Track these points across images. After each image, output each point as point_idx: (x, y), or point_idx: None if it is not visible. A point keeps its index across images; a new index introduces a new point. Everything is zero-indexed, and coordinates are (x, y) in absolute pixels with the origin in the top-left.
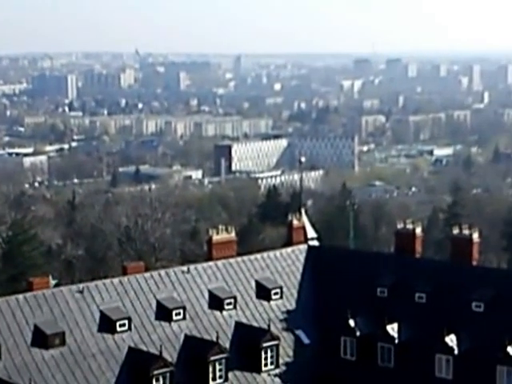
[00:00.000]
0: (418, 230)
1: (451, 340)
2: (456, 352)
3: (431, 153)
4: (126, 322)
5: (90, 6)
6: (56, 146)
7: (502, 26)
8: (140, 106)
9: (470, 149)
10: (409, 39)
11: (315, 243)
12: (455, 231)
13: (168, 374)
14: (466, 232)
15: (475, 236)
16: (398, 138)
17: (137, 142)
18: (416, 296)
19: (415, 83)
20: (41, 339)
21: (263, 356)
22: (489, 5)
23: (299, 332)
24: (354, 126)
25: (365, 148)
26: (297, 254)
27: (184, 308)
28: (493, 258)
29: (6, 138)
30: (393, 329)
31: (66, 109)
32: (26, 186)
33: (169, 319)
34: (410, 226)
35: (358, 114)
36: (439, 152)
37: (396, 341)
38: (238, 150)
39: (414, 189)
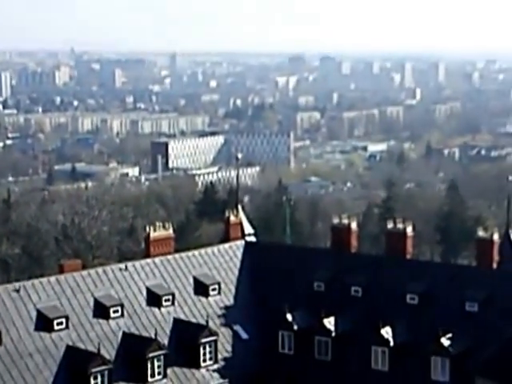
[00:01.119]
0: (354, 225)
1: (387, 332)
2: (391, 344)
3: (365, 149)
4: (64, 320)
5: (25, 4)
6: None
7: (433, 25)
8: (75, 103)
9: (402, 144)
10: (342, 37)
11: (252, 239)
12: (389, 225)
13: (106, 372)
14: (400, 226)
15: (409, 230)
16: (332, 134)
17: (72, 139)
18: (352, 290)
19: (349, 80)
20: None
21: (202, 352)
22: (421, 4)
23: (237, 327)
24: (290, 122)
25: (300, 144)
26: (234, 250)
27: (122, 305)
28: (426, 251)
29: None
30: (329, 322)
31: (0, 107)
32: None
33: (106, 317)
34: (345, 221)
35: (293, 111)
36: (373, 148)
37: (333, 334)
38: (174, 147)
39: (349, 184)
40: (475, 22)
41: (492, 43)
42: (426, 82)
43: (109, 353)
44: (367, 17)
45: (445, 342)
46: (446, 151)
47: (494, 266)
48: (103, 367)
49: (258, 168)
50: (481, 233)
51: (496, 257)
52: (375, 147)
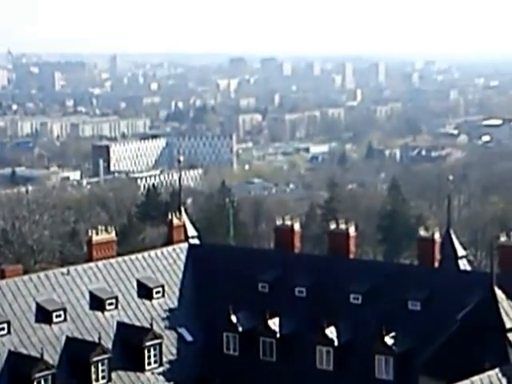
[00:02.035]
0: (297, 226)
1: (331, 332)
2: (336, 343)
3: (307, 150)
4: (6, 325)
5: None
6: None
7: (373, 26)
8: (14, 107)
9: (344, 145)
10: (282, 38)
11: (196, 241)
12: (332, 226)
13: (50, 377)
14: (342, 226)
15: (351, 230)
16: (274, 135)
17: (12, 143)
18: (296, 290)
19: (290, 82)
20: None
21: (146, 355)
22: (360, 5)
23: (182, 330)
24: (232, 124)
25: (243, 146)
26: (178, 252)
27: (65, 310)
28: (369, 251)
29: None
30: (274, 323)
31: None
32: None
33: (49, 321)
34: (288, 222)
35: (235, 113)
36: (315, 149)
37: (277, 335)
38: (116, 150)
39: (291, 185)
40: (414, 23)
41: (431, 44)
42: (366, 83)
43: (52, 358)
44: (307, 18)
45: (388, 340)
46: (387, 152)
47: (436, 264)
48: (46, 372)
49: (200, 170)
50: (422, 232)
51: (437, 256)
52: (317, 148)
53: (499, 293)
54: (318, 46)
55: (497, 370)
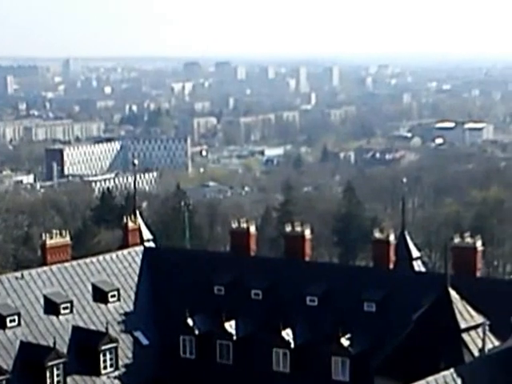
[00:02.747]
0: (252, 229)
1: (287, 334)
2: (292, 345)
3: (262, 153)
4: None
5: None
6: None
7: (326, 30)
8: None
9: (299, 148)
10: (237, 42)
11: (151, 244)
12: (288, 228)
13: (4, 382)
14: (298, 229)
15: (307, 233)
16: (229, 139)
17: None
18: (252, 293)
19: (244, 85)
20: None
21: (102, 359)
22: (313, 9)
23: (138, 333)
24: (186, 128)
25: (197, 149)
26: (133, 255)
27: (19, 314)
28: (325, 253)
29: None
30: (230, 326)
31: None
32: None
33: (3, 326)
34: (244, 225)
35: (190, 116)
36: (270, 152)
37: (234, 337)
38: (70, 153)
39: (246, 188)
40: (367, 27)
41: (384, 48)
42: (320, 87)
43: (6, 362)
44: (261, 22)
45: (344, 342)
46: (341, 154)
47: (391, 266)
48: (1, 377)
49: (155, 173)
50: (377, 234)
51: (392, 257)
52: (272, 151)
53: (453, 293)
54: (272, 50)
55: (452, 370)
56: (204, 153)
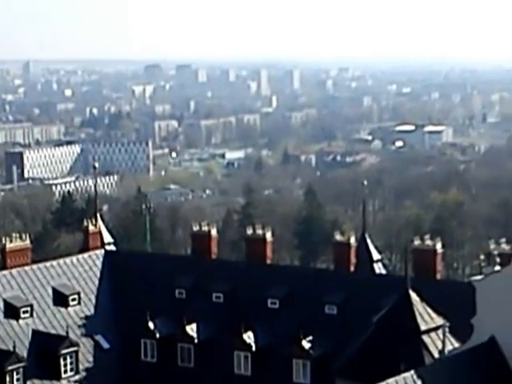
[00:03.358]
0: (214, 232)
1: (249, 337)
2: (253, 348)
3: (223, 156)
4: None
5: None
6: None
7: (287, 33)
8: None
9: (260, 151)
10: (198, 45)
11: (112, 248)
12: (249, 231)
13: None
14: (259, 232)
15: (268, 235)
16: (190, 142)
17: None
18: (213, 296)
19: (205, 88)
20: None
21: (62, 363)
22: (273, 11)
23: (99, 337)
24: (147, 131)
25: (159, 152)
26: (94, 259)
27: None
28: (286, 256)
29: None
30: (192, 329)
31: None
32: None
33: None
34: (205, 228)
35: (151, 119)
36: (231, 155)
37: (195, 341)
38: (30, 156)
39: (208, 191)
40: (327, 30)
41: (344, 51)
42: (281, 90)
43: None
44: (221, 24)
45: (306, 344)
46: (302, 157)
47: (351, 268)
48: None
49: (116, 177)
50: (338, 237)
51: (353, 260)
52: (233, 154)
53: (413, 295)
54: (233, 53)
55: (412, 371)
56: (174, 154)
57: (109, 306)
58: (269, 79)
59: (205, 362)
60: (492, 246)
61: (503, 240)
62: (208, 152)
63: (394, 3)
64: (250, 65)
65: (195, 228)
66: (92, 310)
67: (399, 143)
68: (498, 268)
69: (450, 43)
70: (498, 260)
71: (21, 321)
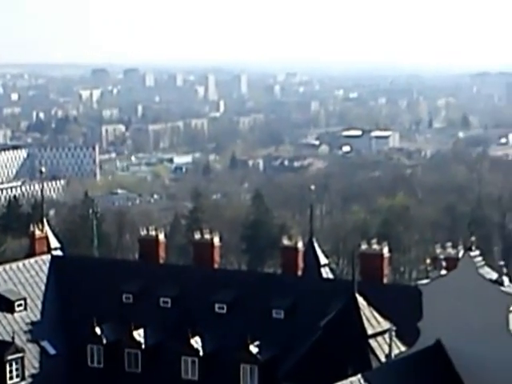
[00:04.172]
0: (161, 236)
1: (196, 342)
2: (201, 353)
3: (171, 160)
4: None
5: None
6: None
7: (234, 37)
8: None
9: (208, 156)
10: (145, 49)
11: (59, 253)
12: (197, 236)
13: None
14: (207, 236)
15: (216, 240)
16: (138, 146)
17: None
18: (161, 301)
19: (153, 93)
20: None
21: (8, 369)
22: (220, 16)
23: (45, 343)
24: (95, 135)
25: (106, 157)
26: (40, 264)
27: None
28: (233, 261)
29: None
30: (139, 334)
31: None
32: None
33: None
34: (152, 233)
35: (98, 124)
36: (179, 160)
37: (143, 346)
38: None
39: (155, 196)
40: (275, 34)
41: (292, 56)
42: (229, 94)
43: None
44: (168, 28)
45: (253, 349)
46: (250, 162)
47: (299, 273)
48: None
49: (63, 181)
50: (285, 241)
51: (300, 264)
52: (181, 159)
53: (361, 300)
54: (181, 58)
55: (359, 375)
56: (134, 159)
57: (55, 311)
58: (216, 84)
59: (152, 367)
60: (438, 250)
61: (449, 244)
62: (156, 156)
63: (339, 8)
64: (197, 69)
65: (143, 233)
66: (38, 316)
67: (346, 148)
68: (444, 272)
69: (397, 49)
70: (443, 264)
71: None
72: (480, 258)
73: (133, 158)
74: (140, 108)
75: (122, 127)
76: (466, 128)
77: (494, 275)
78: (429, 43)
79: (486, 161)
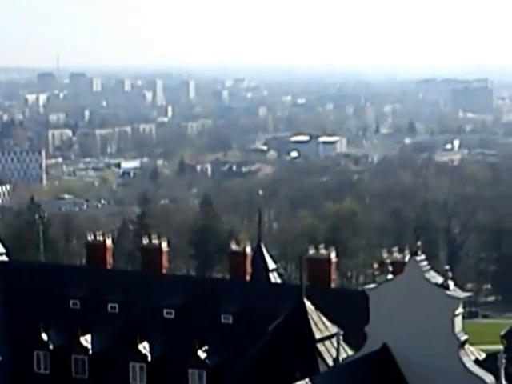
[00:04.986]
0: (109, 242)
1: (144, 347)
2: (149, 359)
3: (119, 165)
4: None
5: None
6: None
7: (182, 42)
8: None
9: (156, 161)
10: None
11: (4, 258)
12: (145, 241)
13: None
14: (155, 242)
15: (164, 245)
16: (85, 151)
17: None
18: (109, 306)
19: (100, 97)
20: None
21: None
22: (168, 20)
23: None
24: (41, 139)
25: (52, 162)
26: None
27: None
28: (182, 266)
29: None
30: (86, 340)
31: None
32: None
33: None
34: (100, 238)
35: (45, 128)
36: (126, 165)
37: (90, 352)
38: None
39: (103, 201)
40: (224, 39)
41: (240, 61)
42: (177, 99)
43: None
44: (116, 33)
45: (201, 354)
46: (198, 167)
47: (247, 278)
48: None
49: (8, 186)
50: (233, 246)
51: (249, 269)
52: (128, 164)
53: (308, 304)
54: (128, 62)
55: (307, 379)
56: (81, 164)
57: (1, 317)
58: (164, 89)
59: (100, 373)
60: (385, 255)
61: (395, 249)
62: (103, 161)
63: (286, 14)
64: (145, 74)
65: (90, 238)
66: None
67: (294, 153)
68: (390, 276)
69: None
70: (390, 268)
71: None
72: (426, 263)
73: (80, 164)
74: (87, 113)
75: (68, 132)
76: (412, 134)
77: (440, 279)
78: (376, 50)
79: (431, 166)
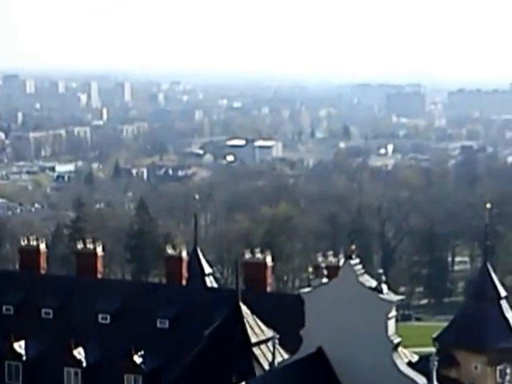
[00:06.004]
0: (42, 246)
1: (79, 353)
2: (84, 364)
3: (53, 169)
4: None
5: None
6: None
7: (117, 44)
8: None
9: (91, 164)
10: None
11: None
12: (79, 246)
13: None
14: (90, 246)
15: (99, 250)
16: (18, 154)
17: None
18: (43, 312)
19: (34, 100)
20: None
21: None
22: (105, 21)
23: None
24: None
25: None
26: None
27: None
28: (117, 270)
29: None
30: (20, 346)
31: None
32: None
33: None
34: (33, 243)
35: None
36: (61, 168)
37: (24, 358)
38: None
39: (37, 205)
40: (158, 42)
41: (175, 64)
42: (112, 102)
43: None
44: (49, 34)
45: (137, 359)
46: (134, 171)
47: (184, 282)
48: None
49: None
50: (170, 250)
51: (185, 273)
52: (63, 167)
53: (244, 308)
54: (63, 64)
55: (243, 383)
56: (14, 167)
57: None
58: (99, 91)
59: (34, 379)
60: (320, 259)
61: (330, 253)
62: (37, 165)
63: (220, 18)
64: (79, 76)
65: (23, 243)
66: None
67: (230, 157)
68: (325, 280)
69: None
70: (325, 272)
71: None
72: (360, 266)
73: (14, 167)
74: (20, 115)
75: (1, 135)
76: (346, 138)
77: (374, 283)
78: (312, 54)
79: (365, 171)
